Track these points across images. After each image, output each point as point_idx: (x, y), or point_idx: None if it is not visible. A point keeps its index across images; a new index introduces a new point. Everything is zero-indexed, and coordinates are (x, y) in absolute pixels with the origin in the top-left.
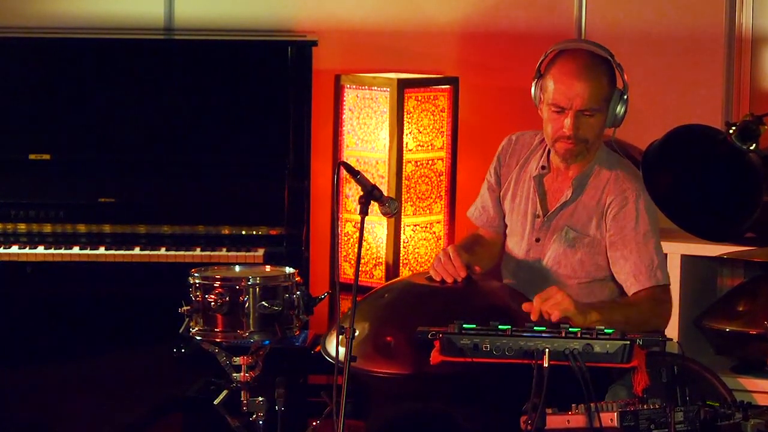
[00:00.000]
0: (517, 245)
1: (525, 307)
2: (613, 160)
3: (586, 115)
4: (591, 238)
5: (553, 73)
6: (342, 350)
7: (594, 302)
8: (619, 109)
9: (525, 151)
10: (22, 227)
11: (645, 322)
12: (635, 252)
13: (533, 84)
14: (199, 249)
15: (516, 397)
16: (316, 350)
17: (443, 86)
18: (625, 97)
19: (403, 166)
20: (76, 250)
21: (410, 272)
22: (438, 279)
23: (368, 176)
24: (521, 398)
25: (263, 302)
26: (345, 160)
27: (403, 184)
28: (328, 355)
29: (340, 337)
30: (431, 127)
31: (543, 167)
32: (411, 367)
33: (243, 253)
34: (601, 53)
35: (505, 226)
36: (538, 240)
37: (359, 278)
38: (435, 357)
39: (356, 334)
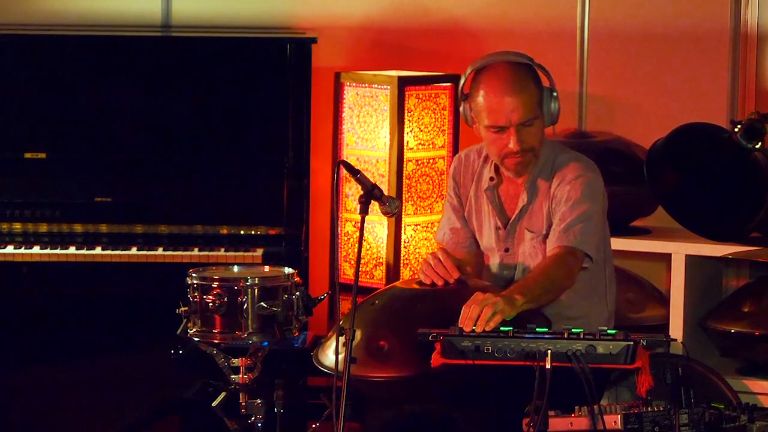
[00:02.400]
0: (491, 259)
1: (460, 322)
2: (556, 151)
3: (527, 126)
4: (545, 234)
5: (481, 95)
6: (342, 354)
7: (512, 286)
8: (553, 107)
9: (476, 167)
10: (17, 227)
11: (559, 287)
12: (558, 218)
13: (461, 106)
14: (196, 249)
15: (518, 399)
16: (315, 352)
17: (444, 84)
18: (555, 93)
19: (404, 165)
20: (72, 250)
21: (411, 272)
22: (428, 282)
23: (368, 175)
24: (523, 400)
25: (262, 303)
26: (345, 159)
27: (404, 183)
28: (321, 365)
29: (340, 338)
30: (432, 125)
31: (492, 178)
32: (406, 370)
33: (241, 253)
34: (521, 60)
35: (477, 244)
36: (507, 250)
37: (359, 279)
38: (436, 360)
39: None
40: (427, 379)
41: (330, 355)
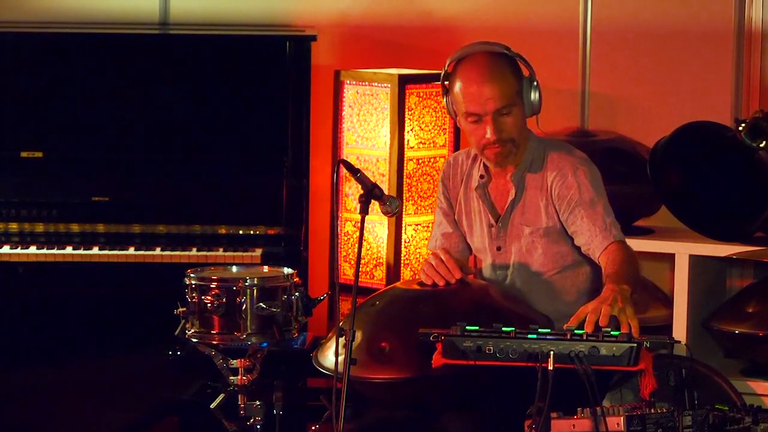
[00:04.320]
0: (483, 260)
1: (585, 322)
2: (545, 144)
3: (504, 114)
4: (545, 228)
5: (458, 84)
6: (342, 355)
7: (609, 280)
8: (534, 96)
9: (465, 168)
10: (13, 227)
11: (637, 278)
12: (586, 219)
13: (444, 100)
14: (195, 249)
15: (520, 400)
16: (315, 353)
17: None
18: (535, 83)
19: (405, 164)
20: (69, 250)
21: (411, 273)
22: (430, 283)
23: (369, 174)
24: (525, 402)
25: (261, 304)
26: (345, 158)
27: (405, 183)
28: (321, 366)
29: (340, 339)
30: (433, 124)
31: (482, 176)
32: (408, 371)
33: (240, 254)
34: (497, 49)
35: (469, 248)
36: (499, 248)
37: (359, 279)
38: (437, 360)
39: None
40: (429, 380)
41: (330, 357)
